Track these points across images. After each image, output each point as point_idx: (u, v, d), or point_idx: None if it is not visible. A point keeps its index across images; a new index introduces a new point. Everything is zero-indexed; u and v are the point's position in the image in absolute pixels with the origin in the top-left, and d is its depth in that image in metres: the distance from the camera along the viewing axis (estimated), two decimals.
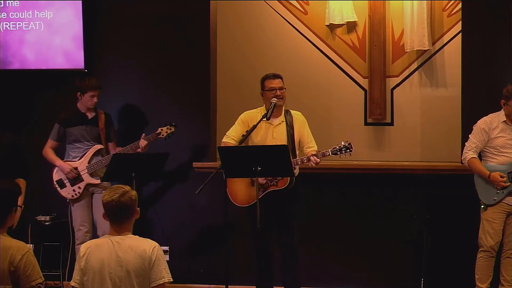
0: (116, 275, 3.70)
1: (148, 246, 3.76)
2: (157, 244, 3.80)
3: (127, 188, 3.81)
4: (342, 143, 5.50)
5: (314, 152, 5.56)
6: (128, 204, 3.76)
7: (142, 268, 3.71)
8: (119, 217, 3.78)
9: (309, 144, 5.67)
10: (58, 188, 6.28)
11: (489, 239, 5.76)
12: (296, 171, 5.64)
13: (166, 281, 3.75)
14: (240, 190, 5.64)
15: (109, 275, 3.71)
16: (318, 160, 5.47)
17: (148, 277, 3.72)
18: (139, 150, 6.20)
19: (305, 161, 5.51)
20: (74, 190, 6.24)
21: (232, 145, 5.61)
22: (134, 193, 3.81)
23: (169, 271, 3.78)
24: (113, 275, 3.70)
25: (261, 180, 5.50)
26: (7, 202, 3.73)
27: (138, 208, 3.85)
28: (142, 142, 6.19)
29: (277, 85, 5.62)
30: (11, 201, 3.75)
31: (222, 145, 5.67)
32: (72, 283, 3.80)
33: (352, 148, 5.51)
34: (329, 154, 5.52)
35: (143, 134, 6.25)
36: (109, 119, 6.44)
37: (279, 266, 5.78)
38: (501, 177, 5.70)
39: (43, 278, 3.66)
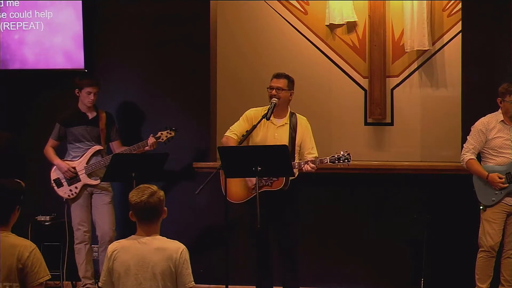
0: (142, 276, 3.67)
1: (175, 248, 3.74)
2: (184, 246, 3.77)
3: (155, 188, 3.77)
4: (342, 152, 5.44)
5: (313, 159, 5.52)
6: (156, 205, 3.74)
7: (169, 271, 3.69)
8: (147, 218, 3.75)
9: (310, 151, 5.61)
10: (55, 187, 6.27)
11: (489, 239, 5.76)
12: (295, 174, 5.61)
13: (192, 285, 3.74)
14: (235, 186, 5.60)
15: (135, 277, 3.67)
16: (315, 166, 5.42)
17: (173, 279, 3.70)
18: (147, 148, 6.19)
19: (302, 165, 5.45)
20: (70, 190, 6.24)
21: (234, 140, 5.58)
22: (162, 193, 3.78)
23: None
24: (139, 276, 3.67)
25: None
26: (11, 200, 3.73)
27: (166, 208, 3.81)
28: (151, 139, 6.18)
29: (274, 85, 5.60)
30: (14, 199, 3.74)
31: (224, 139, 5.66)
32: (100, 283, 3.78)
33: (350, 158, 5.44)
34: (327, 162, 5.45)
35: (151, 134, 6.25)
36: (110, 118, 6.42)
37: (278, 266, 5.77)
38: (500, 178, 5.70)
39: (50, 275, 3.65)
